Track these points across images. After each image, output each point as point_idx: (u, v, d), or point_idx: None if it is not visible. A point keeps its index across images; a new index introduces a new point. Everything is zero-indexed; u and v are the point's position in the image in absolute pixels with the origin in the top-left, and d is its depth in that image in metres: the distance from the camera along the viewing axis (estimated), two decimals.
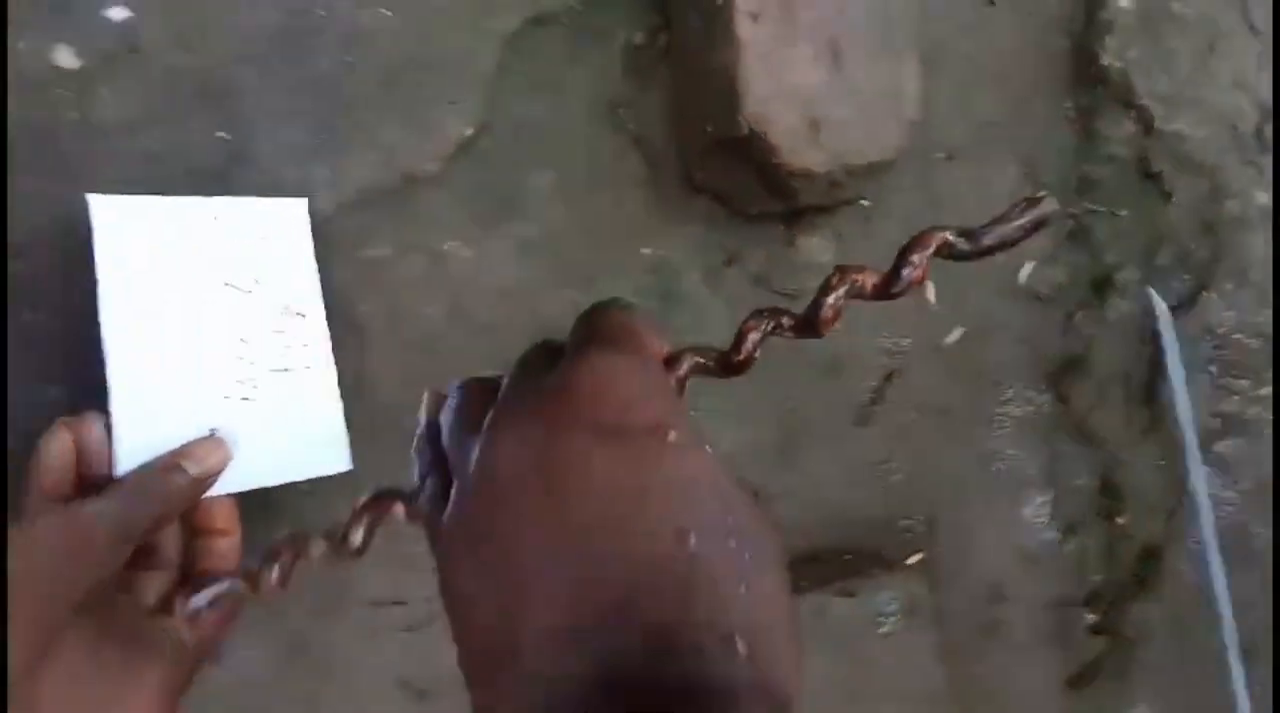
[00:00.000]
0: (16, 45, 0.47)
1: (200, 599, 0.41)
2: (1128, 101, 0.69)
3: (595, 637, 0.22)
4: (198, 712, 0.51)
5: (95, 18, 0.48)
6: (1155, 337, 0.67)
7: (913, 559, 0.64)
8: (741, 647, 0.21)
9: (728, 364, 0.34)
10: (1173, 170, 0.69)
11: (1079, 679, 0.70)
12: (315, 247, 0.50)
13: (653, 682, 0.21)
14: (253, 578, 0.37)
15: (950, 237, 0.33)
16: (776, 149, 0.53)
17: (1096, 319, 0.69)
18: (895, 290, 0.33)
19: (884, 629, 0.57)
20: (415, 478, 0.30)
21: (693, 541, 0.22)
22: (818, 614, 0.55)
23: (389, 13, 0.53)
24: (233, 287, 0.48)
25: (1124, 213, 0.69)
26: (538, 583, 0.23)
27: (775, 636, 0.23)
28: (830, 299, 0.34)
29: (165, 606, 0.41)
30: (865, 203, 0.63)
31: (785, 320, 0.34)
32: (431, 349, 0.54)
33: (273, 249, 0.49)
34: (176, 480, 0.40)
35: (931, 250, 0.34)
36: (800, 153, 0.53)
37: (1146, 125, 0.69)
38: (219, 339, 0.47)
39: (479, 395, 0.27)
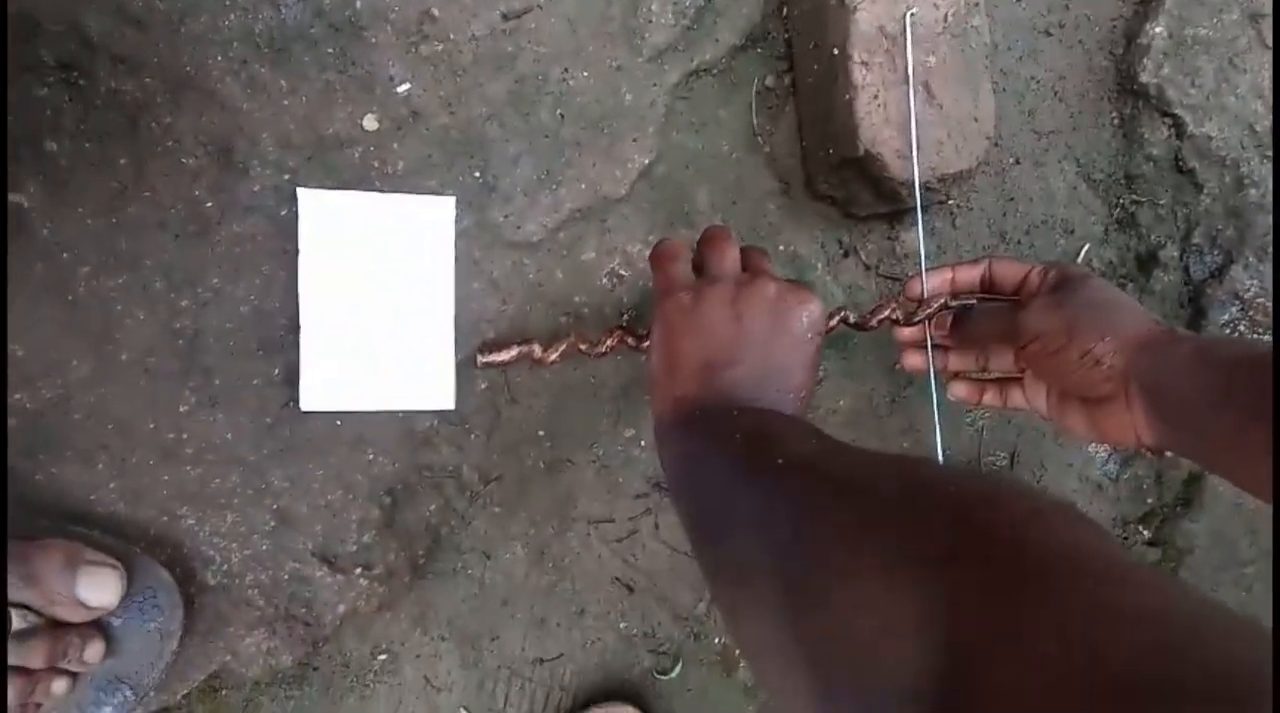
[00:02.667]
0: (337, 114, 0.65)
1: (500, 356, 0.65)
2: (1163, 111, 0.83)
3: (753, 369, 0.52)
4: (480, 597, 0.69)
5: (390, 92, 0.66)
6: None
7: None
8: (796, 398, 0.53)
9: (861, 325, 0.67)
10: (1202, 166, 0.84)
11: None
12: (474, 239, 0.68)
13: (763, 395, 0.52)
14: (539, 356, 0.65)
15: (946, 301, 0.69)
16: (887, 166, 0.69)
17: (1143, 289, 0.84)
18: (910, 323, 0.69)
19: None
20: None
21: (799, 368, 0.53)
22: None
23: (587, 75, 0.71)
24: (389, 259, 0.66)
25: (1163, 202, 0.84)
26: (737, 345, 0.52)
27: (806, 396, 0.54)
28: (874, 319, 0.68)
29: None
30: (952, 202, 0.79)
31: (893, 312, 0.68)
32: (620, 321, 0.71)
33: (424, 234, 0.66)
34: None
35: (932, 309, 0.68)
36: (904, 167, 0.70)
37: (1179, 130, 0.83)
38: (376, 297, 0.65)
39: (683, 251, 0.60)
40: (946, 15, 0.69)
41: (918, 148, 0.69)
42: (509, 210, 0.68)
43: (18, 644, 0.53)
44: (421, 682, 0.68)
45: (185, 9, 0.61)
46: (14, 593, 0.53)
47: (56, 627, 0.55)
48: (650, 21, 0.71)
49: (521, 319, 0.69)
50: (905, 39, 0.68)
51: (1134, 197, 0.84)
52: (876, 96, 0.68)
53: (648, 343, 0.67)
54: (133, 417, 0.61)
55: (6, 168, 0.58)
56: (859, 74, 0.68)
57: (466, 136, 0.67)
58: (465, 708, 0.70)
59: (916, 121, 0.68)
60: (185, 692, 0.63)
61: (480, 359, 0.66)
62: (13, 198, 0.59)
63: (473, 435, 0.68)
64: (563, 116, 0.69)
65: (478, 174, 0.68)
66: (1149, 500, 0.85)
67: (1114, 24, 0.84)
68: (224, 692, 0.64)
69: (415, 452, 0.67)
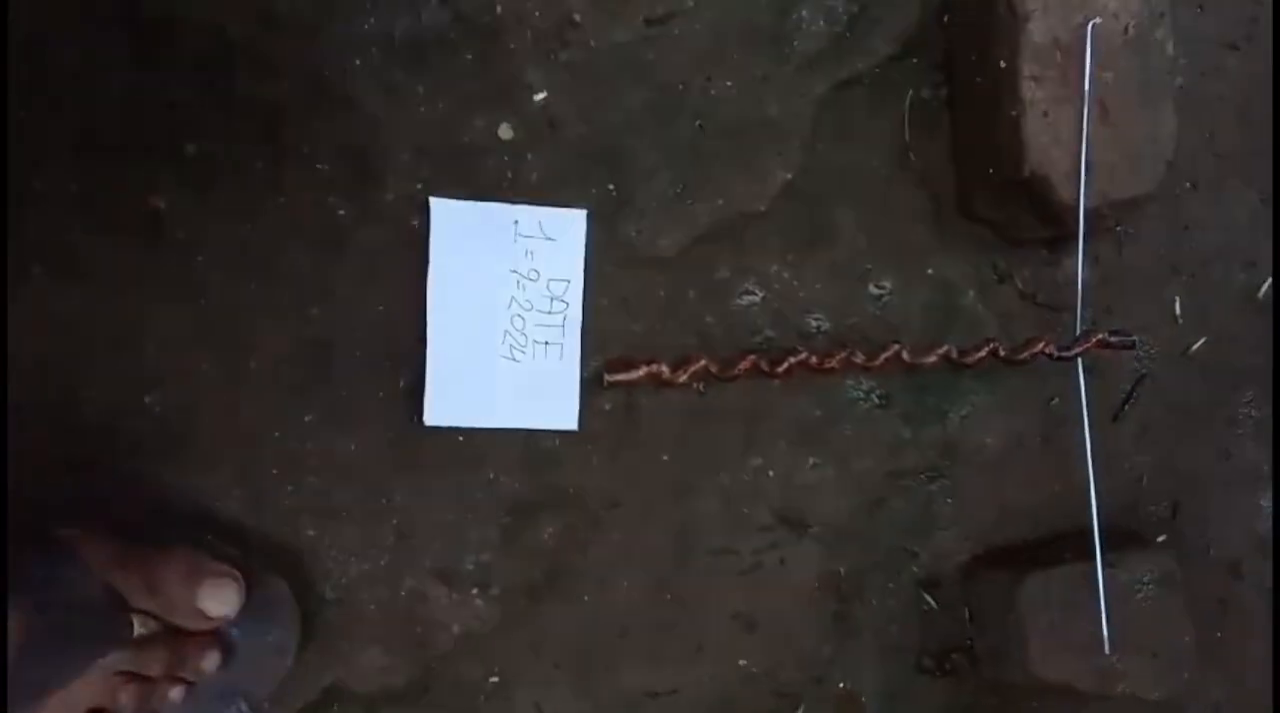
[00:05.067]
0: (474, 122, 0.63)
1: (623, 377, 0.63)
2: None
3: None
4: (596, 625, 0.66)
5: (527, 100, 0.63)
6: None
7: (1159, 539, 0.73)
8: None
9: (1012, 358, 0.66)
10: None
11: None
12: (605, 254, 0.65)
13: None
14: (667, 377, 0.64)
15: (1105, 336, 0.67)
16: (1054, 189, 0.63)
17: None
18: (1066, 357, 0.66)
19: (1140, 595, 0.67)
20: None
21: None
22: (1085, 580, 0.65)
23: (730, 84, 0.67)
24: (518, 274, 0.63)
25: None
26: None
27: None
28: (1026, 352, 0.66)
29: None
30: (1119, 229, 0.72)
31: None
32: (751, 344, 0.68)
33: (554, 248, 0.63)
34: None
35: (1090, 343, 0.66)
36: (1073, 191, 0.64)
37: None
38: (502, 313, 0.63)
39: None
40: (1128, 27, 0.64)
41: (1087, 170, 0.63)
42: (642, 225, 0.66)
43: (137, 651, 0.53)
44: (533, 708, 0.66)
45: (325, 13, 0.60)
46: (136, 600, 0.53)
47: (176, 635, 0.55)
48: (800, 29, 0.67)
49: (650, 338, 0.66)
50: (1085, 51, 0.62)
51: None
52: (1046, 114, 0.63)
53: (781, 369, 0.64)
54: (258, 425, 0.61)
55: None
56: (1028, 89, 0.63)
57: (602, 147, 0.65)
58: None
59: (1089, 142, 0.63)
60: (299, 705, 0.62)
61: (607, 378, 0.64)
62: (149, 200, 0.59)
63: (595, 457, 0.66)
64: (702, 128, 0.66)
65: (611, 187, 0.65)
66: None
67: None
68: (337, 706, 0.63)
69: (537, 471, 0.65)
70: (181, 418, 0.60)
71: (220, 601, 0.54)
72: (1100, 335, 0.67)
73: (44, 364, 0.58)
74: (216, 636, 0.56)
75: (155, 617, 0.54)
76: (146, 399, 0.59)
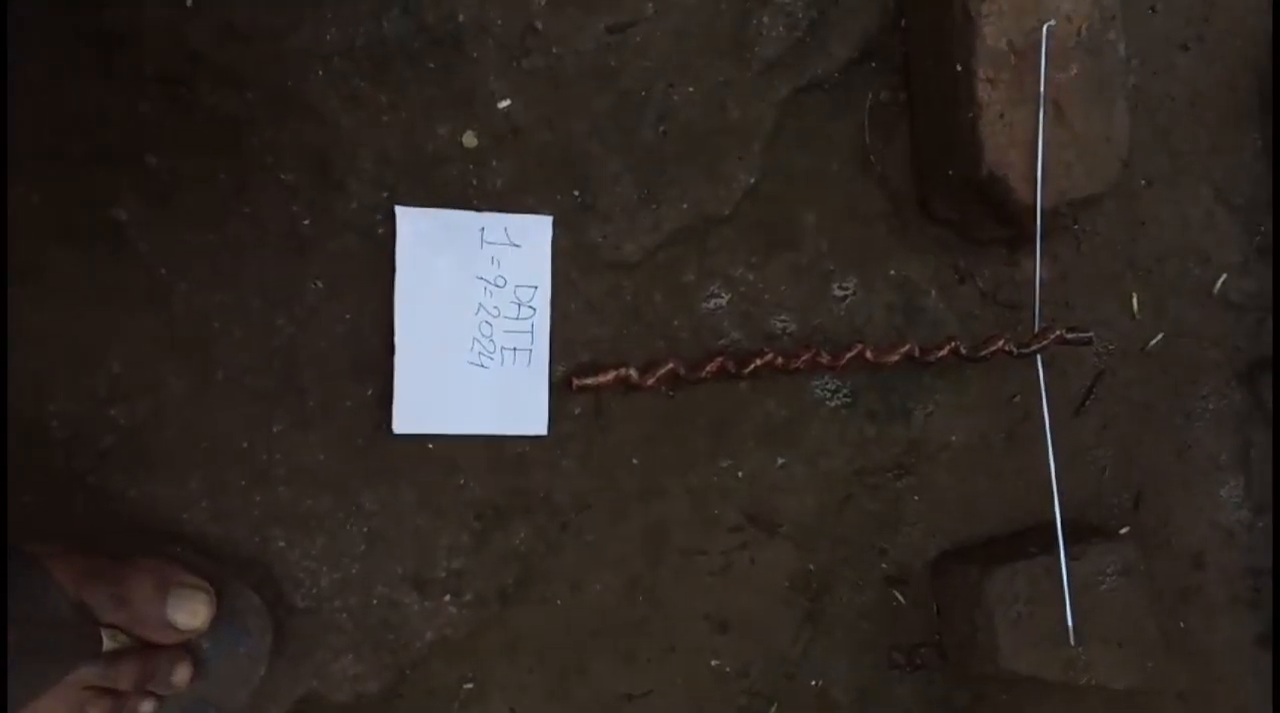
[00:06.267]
0: (437, 130, 0.63)
1: (591, 381, 0.64)
2: None
3: None
4: (568, 628, 0.67)
5: (490, 108, 0.64)
6: None
7: (1122, 531, 0.74)
8: None
9: (973, 356, 0.67)
10: None
11: (1269, 638, 0.79)
12: (571, 260, 0.65)
13: None
14: (636, 380, 0.64)
15: (1063, 333, 0.68)
16: (1012, 190, 0.64)
17: None
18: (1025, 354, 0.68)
19: (1105, 586, 0.68)
20: None
21: None
22: (1050, 573, 0.66)
23: (692, 89, 0.68)
24: (485, 281, 0.64)
25: None
26: None
27: None
28: (987, 350, 0.68)
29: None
30: (1076, 227, 0.74)
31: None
32: (718, 346, 0.68)
33: (520, 254, 0.64)
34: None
35: (1048, 341, 0.68)
36: (1030, 191, 0.65)
37: None
38: (470, 319, 0.63)
39: None
40: (1080, 29, 0.65)
41: (1044, 170, 0.64)
42: (607, 230, 0.66)
43: (107, 665, 0.53)
44: None
45: (288, 23, 0.60)
46: (105, 614, 0.53)
47: (146, 649, 0.54)
48: (761, 34, 0.68)
49: (618, 342, 0.67)
50: (1041, 54, 0.63)
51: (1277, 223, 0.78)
52: (1002, 116, 0.64)
53: (748, 370, 0.65)
54: (226, 435, 0.61)
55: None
56: (984, 92, 0.64)
57: (566, 154, 0.65)
58: None
59: (1045, 143, 0.64)
60: None
61: (575, 382, 0.64)
62: (112, 212, 0.59)
63: (564, 461, 0.66)
64: (665, 133, 0.67)
65: (576, 193, 0.65)
66: None
67: (1258, 38, 0.78)
68: None
69: (507, 476, 0.65)
70: (148, 430, 0.60)
71: (190, 613, 0.54)
72: (1058, 332, 0.69)
73: (9, 377, 0.58)
74: (187, 648, 0.56)
75: (125, 631, 0.54)
76: (112, 411, 0.59)
